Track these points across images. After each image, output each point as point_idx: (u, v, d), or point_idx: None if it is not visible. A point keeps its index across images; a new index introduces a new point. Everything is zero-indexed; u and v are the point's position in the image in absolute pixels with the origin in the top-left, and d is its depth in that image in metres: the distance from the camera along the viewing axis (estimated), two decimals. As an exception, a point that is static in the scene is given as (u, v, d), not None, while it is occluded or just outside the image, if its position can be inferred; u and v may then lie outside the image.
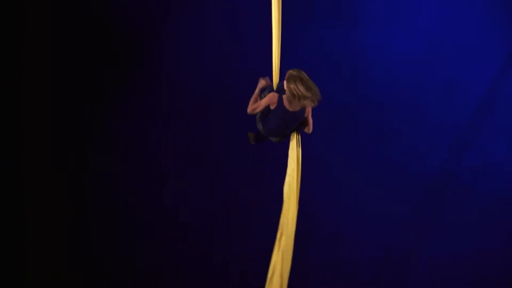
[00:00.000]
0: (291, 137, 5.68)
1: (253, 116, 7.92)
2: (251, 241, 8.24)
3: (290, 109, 5.50)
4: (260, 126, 5.80)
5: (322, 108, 8.15)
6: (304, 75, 5.42)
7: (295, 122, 5.58)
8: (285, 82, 5.43)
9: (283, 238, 5.24)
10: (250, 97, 8.04)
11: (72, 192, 8.27)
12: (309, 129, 5.74)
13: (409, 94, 8.11)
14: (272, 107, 5.57)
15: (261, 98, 5.69)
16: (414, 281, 8.11)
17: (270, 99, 5.56)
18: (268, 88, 5.75)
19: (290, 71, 5.46)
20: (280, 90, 5.61)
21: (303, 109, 5.54)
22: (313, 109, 5.60)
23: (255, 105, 5.64)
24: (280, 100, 5.51)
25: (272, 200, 8.29)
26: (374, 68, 8.12)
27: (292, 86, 5.38)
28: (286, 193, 5.29)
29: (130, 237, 8.28)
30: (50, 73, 8.26)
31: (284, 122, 5.58)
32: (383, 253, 8.09)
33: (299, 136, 5.70)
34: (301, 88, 5.38)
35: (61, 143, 8.26)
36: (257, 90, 5.73)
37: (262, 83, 5.75)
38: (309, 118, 5.67)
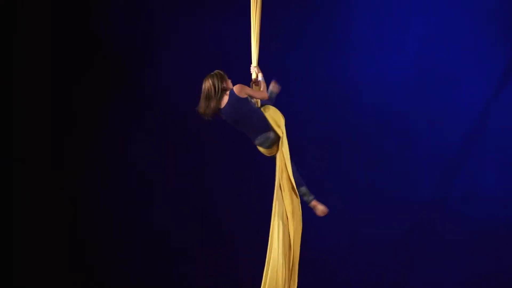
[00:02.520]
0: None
1: (243, 135, 8.04)
2: (241, 262, 8.26)
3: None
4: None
5: (312, 135, 8.21)
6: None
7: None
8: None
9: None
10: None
11: (59, 213, 8.29)
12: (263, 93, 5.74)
13: (399, 120, 8.10)
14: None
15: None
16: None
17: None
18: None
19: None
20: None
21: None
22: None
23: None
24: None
25: (263, 220, 8.34)
26: (363, 94, 8.11)
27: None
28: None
29: (120, 258, 8.29)
30: (40, 93, 8.27)
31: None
32: (374, 279, 8.09)
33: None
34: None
35: (48, 163, 8.28)
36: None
37: None
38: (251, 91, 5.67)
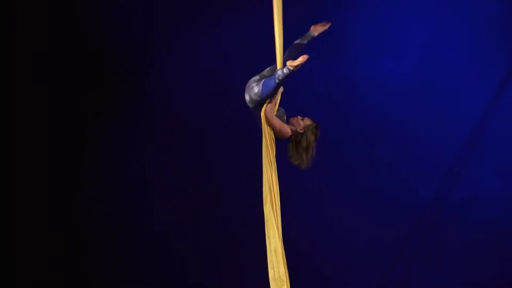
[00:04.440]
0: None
1: (245, 146, 8.02)
2: (242, 263, 8.24)
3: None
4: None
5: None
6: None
7: None
8: (303, 124, 5.52)
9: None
10: (241, 127, 8.08)
11: (58, 214, 8.29)
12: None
13: (399, 125, 8.11)
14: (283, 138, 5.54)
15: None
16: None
17: (286, 129, 5.51)
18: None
19: (315, 124, 5.58)
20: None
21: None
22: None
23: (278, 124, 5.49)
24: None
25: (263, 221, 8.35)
26: (363, 99, 8.12)
27: (311, 138, 5.50)
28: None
29: (120, 266, 8.29)
30: (39, 96, 8.29)
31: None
32: (374, 282, 8.08)
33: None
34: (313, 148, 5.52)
35: (48, 164, 8.29)
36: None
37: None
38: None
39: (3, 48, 8.20)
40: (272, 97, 5.41)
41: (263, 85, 5.34)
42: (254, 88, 5.39)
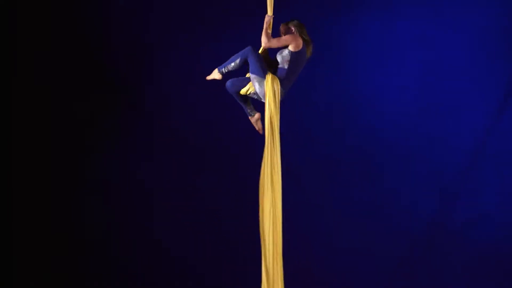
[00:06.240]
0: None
1: (244, 146, 7.97)
2: (243, 270, 8.27)
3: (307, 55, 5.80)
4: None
5: (313, 156, 8.24)
6: None
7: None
8: (296, 28, 5.76)
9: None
10: (240, 141, 8.09)
11: (61, 236, 8.31)
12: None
13: (399, 143, 8.11)
14: (293, 49, 5.72)
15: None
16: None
17: (294, 39, 5.71)
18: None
19: (295, 22, 5.80)
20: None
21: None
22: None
23: (272, 40, 5.73)
24: (304, 45, 5.76)
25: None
26: (364, 116, 8.13)
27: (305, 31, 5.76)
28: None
29: (120, 266, 8.30)
30: (38, 103, 8.29)
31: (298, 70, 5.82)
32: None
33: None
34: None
35: (49, 169, 8.29)
36: (265, 26, 5.80)
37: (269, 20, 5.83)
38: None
39: (3, 48, 8.20)
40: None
41: (251, 71, 5.84)
42: (256, 87, 5.78)
